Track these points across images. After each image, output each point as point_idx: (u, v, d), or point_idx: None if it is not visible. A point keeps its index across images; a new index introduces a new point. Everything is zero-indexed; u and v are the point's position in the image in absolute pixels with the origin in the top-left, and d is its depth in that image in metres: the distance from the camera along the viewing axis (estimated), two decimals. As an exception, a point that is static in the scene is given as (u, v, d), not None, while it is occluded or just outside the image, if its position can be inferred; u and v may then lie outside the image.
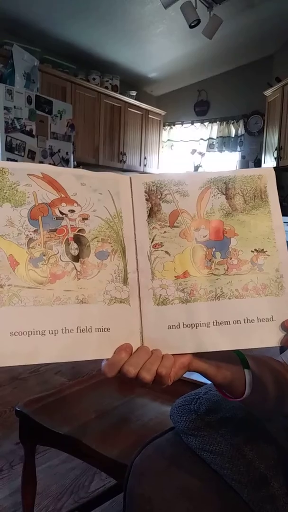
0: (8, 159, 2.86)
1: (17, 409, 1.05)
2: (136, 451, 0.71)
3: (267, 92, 4.22)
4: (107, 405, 1.03)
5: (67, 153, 3.35)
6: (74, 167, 3.69)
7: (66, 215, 0.49)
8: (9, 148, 2.87)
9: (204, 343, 0.50)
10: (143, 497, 0.63)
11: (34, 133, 3.04)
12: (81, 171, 0.52)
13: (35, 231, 0.48)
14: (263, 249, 0.52)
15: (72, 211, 0.50)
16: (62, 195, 0.50)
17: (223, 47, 4.03)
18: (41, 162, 3.11)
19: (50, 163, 3.17)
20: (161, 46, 4.05)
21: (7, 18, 3.38)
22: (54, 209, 0.49)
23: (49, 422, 0.97)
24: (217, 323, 0.50)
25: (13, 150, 2.90)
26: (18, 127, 2.92)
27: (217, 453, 0.65)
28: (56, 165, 3.19)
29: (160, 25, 3.62)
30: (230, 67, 4.70)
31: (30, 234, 0.48)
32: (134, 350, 0.49)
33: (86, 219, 0.50)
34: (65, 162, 3.34)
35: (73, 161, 3.55)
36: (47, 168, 0.50)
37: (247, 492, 0.62)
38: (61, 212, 0.49)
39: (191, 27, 3.13)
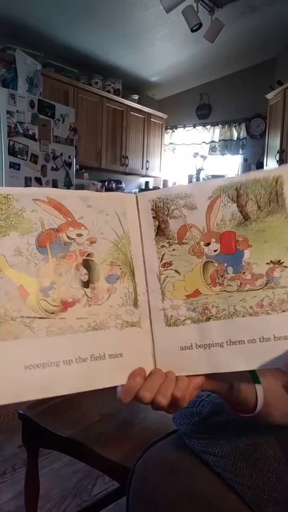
0: (11, 163, 2.87)
1: (20, 412, 1.05)
2: (139, 454, 0.71)
3: (269, 95, 4.22)
4: (110, 408, 1.03)
5: (69, 157, 3.36)
6: (77, 170, 3.70)
7: (74, 239, 0.48)
8: (12, 152, 2.88)
9: (218, 364, 0.49)
10: (146, 499, 0.63)
11: (36, 137, 3.05)
12: (86, 193, 0.51)
13: (43, 259, 0.47)
14: (279, 261, 0.48)
15: (80, 235, 0.48)
16: (69, 219, 0.48)
17: (225, 50, 4.04)
18: (43, 165, 3.12)
19: (52, 167, 3.18)
20: (163, 50, 4.07)
21: (10, 22, 3.41)
22: (61, 234, 0.48)
23: (52, 425, 0.97)
24: (231, 343, 0.48)
25: (16, 154, 2.91)
26: (21, 131, 2.93)
27: (220, 456, 0.65)
28: (59, 169, 3.22)
29: (162, 29, 3.64)
30: (232, 70, 4.71)
31: (39, 263, 0.46)
32: (147, 373, 0.48)
33: (94, 242, 0.49)
34: (67, 166, 3.35)
35: (76, 164, 3.56)
36: (52, 192, 0.49)
37: (250, 495, 0.61)
38: (68, 237, 0.48)
39: (193, 31, 3.14)
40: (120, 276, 0.49)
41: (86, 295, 0.48)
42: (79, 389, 0.46)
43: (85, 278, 0.48)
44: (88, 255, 0.48)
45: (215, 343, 0.49)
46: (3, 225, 0.46)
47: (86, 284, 0.48)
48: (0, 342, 0.44)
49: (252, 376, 0.55)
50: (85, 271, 0.48)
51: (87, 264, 0.48)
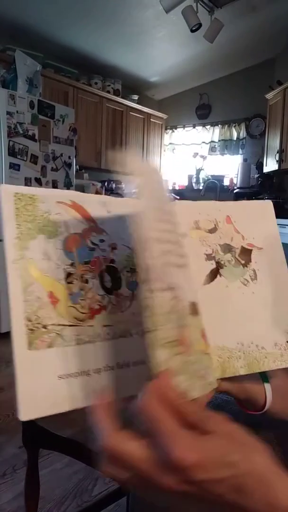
0: (11, 164, 2.87)
1: (20, 412, 1.05)
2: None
3: (269, 95, 4.23)
4: (110, 409, 1.03)
5: (69, 157, 3.36)
6: (77, 171, 3.70)
7: (97, 245, 0.48)
8: (11, 152, 2.88)
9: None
10: (147, 500, 0.63)
11: (36, 137, 3.05)
12: (105, 198, 0.50)
13: (71, 264, 0.46)
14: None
15: (102, 240, 0.48)
16: (92, 224, 0.48)
17: (225, 50, 4.05)
18: (43, 166, 3.12)
19: (52, 167, 3.18)
20: (162, 50, 4.07)
21: (9, 23, 3.41)
22: (86, 239, 0.47)
23: (52, 425, 0.97)
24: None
25: (16, 155, 2.91)
26: (21, 131, 2.93)
27: (220, 456, 0.65)
28: (59, 169, 3.22)
29: (161, 29, 3.64)
30: (231, 70, 4.71)
31: (68, 268, 0.45)
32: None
33: (115, 248, 0.49)
34: (67, 166, 3.35)
35: (76, 165, 3.56)
36: (74, 195, 0.48)
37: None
38: (92, 243, 0.47)
39: (192, 31, 3.14)
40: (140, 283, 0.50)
41: (111, 302, 0.47)
42: (108, 398, 0.46)
43: (109, 284, 0.47)
44: (111, 261, 0.48)
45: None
46: (31, 227, 0.45)
47: (110, 291, 0.47)
48: (34, 351, 0.43)
49: (261, 376, 0.56)
50: (108, 277, 0.47)
51: (110, 271, 0.48)
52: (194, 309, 0.44)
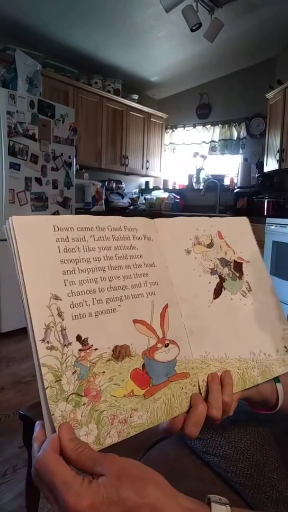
0: (11, 163, 2.87)
1: (21, 412, 1.05)
2: (139, 454, 0.70)
3: (269, 95, 4.22)
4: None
5: (69, 157, 3.36)
6: (77, 170, 3.70)
7: None
8: (12, 152, 2.88)
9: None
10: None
11: (36, 137, 3.05)
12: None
13: None
14: None
15: None
16: None
17: (225, 50, 4.04)
18: (43, 166, 3.12)
19: (52, 167, 3.18)
20: (162, 50, 4.07)
21: (9, 23, 3.41)
22: None
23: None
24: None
25: (16, 154, 2.91)
26: (21, 131, 2.93)
27: (221, 456, 0.65)
28: (59, 169, 3.22)
29: (161, 29, 3.63)
30: (231, 70, 4.71)
31: None
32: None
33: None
34: (67, 166, 3.35)
35: (76, 164, 3.56)
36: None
37: (251, 495, 0.61)
38: None
39: (192, 30, 3.13)
40: None
41: None
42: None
43: None
44: None
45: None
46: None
47: None
48: None
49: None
50: None
51: None
52: (119, 354, 0.44)
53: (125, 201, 4.71)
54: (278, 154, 4.03)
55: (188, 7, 3.01)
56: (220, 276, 0.57)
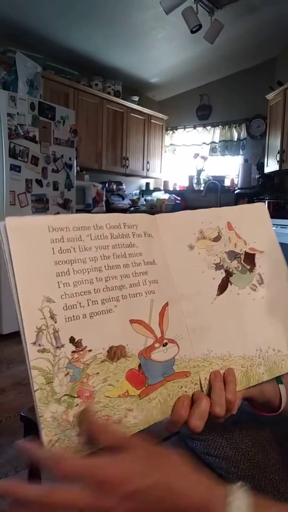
0: (11, 165, 2.88)
1: (22, 414, 1.05)
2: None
3: (269, 96, 4.23)
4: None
5: (70, 159, 3.37)
6: (77, 172, 3.70)
7: None
8: (12, 154, 2.88)
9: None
10: None
11: (37, 139, 3.06)
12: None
13: None
14: None
15: None
16: None
17: (225, 51, 4.05)
18: (44, 167, 3.12)
19: (53, 169, 3.19)
20: (162, 51, 4.07)
21: (10, 25, 3.42)
22: None
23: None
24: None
25: (17, 156, 2.92)
26: (22, 133, 2.93)
27: (222, 458, 0.64)
28: (59, 171, 3.23)
29: (161, 30, 3.64)
30: (232, 71, 4.71)
31: None
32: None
33: None
34: (68, 168, 3.35)
35: (76, 166, 3.57)
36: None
37: (252, 497, 0.61)
38: None
39: (192, 32, 3.14)
40: None
41: None
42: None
43: None
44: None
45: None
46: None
47: None
48: None
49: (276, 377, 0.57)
50: None
51: None
52: (115, 354, 0.44)
53: (126, 202, 4.72)
54: (278, 155, 4.03)
55: (188, 9, 3.02)
56: (226, 271, 0.55)
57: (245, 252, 0.57)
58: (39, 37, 3.61)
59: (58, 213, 3.28)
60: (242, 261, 0.56)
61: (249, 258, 0.57)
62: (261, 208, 0.63)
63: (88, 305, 0.43)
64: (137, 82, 4.79)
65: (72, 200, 3.42)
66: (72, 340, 0.42)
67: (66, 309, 0.42)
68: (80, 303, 0.43)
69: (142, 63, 4.33)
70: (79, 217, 0.47)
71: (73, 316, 0.42)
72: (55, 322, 0.41)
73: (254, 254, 0.58)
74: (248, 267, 0.57)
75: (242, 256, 0.57)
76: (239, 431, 0.66)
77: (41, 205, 3.13)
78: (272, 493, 0.61)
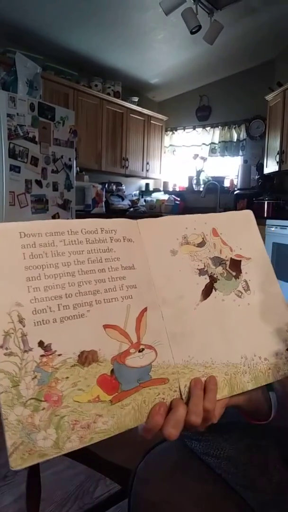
0: (11, 166, 2.88)
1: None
2: (140, 456, 0.70)
3: (269, 97, 4.23)
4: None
5: (69, 159, 3.37)
6: (77, 173, 3.70)
7: None
8: (12, 154, 2.88)
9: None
10: (148, 502, 0.62)
11: (37, 139, 3.06)
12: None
13: None
14: None
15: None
16: None
17: (224, 52, 4.05)
18: (44, 168, 3.12)
19: (53, 169, 3.19)
20: (162, 52, 4.08)
21: (9, 26, 3.42)
22: None
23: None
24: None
25: (16, 157, 2.92)
26: (21, 134, 2.93)
27: (222, 458, 0.64)
28: (59, 171, 3.22)
29: (161, 31, 3.64)
30: (231, 72, 4.72)
31: None
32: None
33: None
34: (67, 168, 3.35)
35: (76, 167, 3.57)
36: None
37: (252, 497, 0.61)
38: None
39: (192, 33, 3.14)
40: None
41: None
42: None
43: None
44: None
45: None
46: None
47: None
48: None
49: (266, 384, 0.55)
50: None
51: None
52: (86, 359, 0.44)
53: (125, 203, 4.72)
54: (278, 156, 4.04)
55: (188, 10, 3.02)
56: (211, 277, 0.54)
57: (231, 258, 0.57)
58: (39, 37, 3.62)
59: (57, 213, 3.28)
60: (227, 267, 0.56)
61: (235, 265, 0.57)
62: (248, 215, 0.63)
63: (59, 309, 0.44)
64: (137, 83, 4.79)
65: (71, 201, 3.42)
66: (41, 344, 0.42)
67: (36, 313, 0.42)
68: (50, 308, 0.43)
69: (141, 64, 4.34)
70: (53, 223, 0.47)
71: (43, 321, 0.43)
72: (24, 326, 0.42)
73: (240, 261, 0.58)
74: (234, 273, 0.56)
75: (228, 263, 0.56)
76: (239, 432, 0.66)
77: (40, 206, 3.13)
78: (272, 493, 0.61)
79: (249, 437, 0.66)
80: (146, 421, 0.45)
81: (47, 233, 0.46)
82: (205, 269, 0.54)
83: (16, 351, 0.41)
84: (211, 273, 0.55)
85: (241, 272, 0.57)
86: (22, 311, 0.42)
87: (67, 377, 0.42)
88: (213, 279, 0.54)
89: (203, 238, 0.56)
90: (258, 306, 0.56)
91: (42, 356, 0.42)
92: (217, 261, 0.56)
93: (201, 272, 0.54)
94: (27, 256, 0.44)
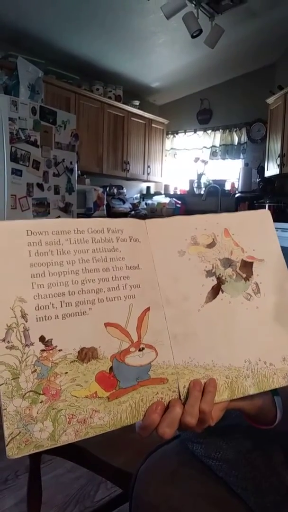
0: (13, 169, 2.89)
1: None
2: (141, 459, 0.70)
3: (270, 100, 4.24)
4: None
5: (71, 163, 3.38)
6: (78, 176, 3.71)
7: None
8: (14, 158, 2.90)
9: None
10: (149, 505, 0.62)
11: (38, 143, 3.07)
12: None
13: None
14: None
15: None
16: None
17: (225, 56, 4.06)
18: (45, 171, 3.13)
19: (54, 173, 3.19)
20: (163, 56, 4.09)
21: (11, 30, 3.44)
22: None
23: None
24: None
25: (18, 161, 2.93)
26: (23, 137, 2.95)
27: (223, 460, 0.64)
28: (60, 175, 3.24)
29: (162, 35, 3.66)
30: (232, 75, 4.73)
31: None
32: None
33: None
34: (69, 172, 3.36)
35: (77, 170, 3.58)
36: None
37: (253, 499, 0.61)
38: None
39: (193, 37, 3.15)
40: None
41: None
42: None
43: None
44: None
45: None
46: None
47: None
48: None
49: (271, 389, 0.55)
50: None
51: None
52: (85, 356, 0.45)
53: (127, 206, 4.72)
54: (278, 159, 4.04)
55: (189, 14, 3.04)
56: (218, 278, 0.53)
57: (242, 260, 0.56)
58: (40, 42, 3.64)
59: (59, 217, 3.28)
60: (237, 269, 0.55)
61: (246, 266, 0.56)
62: (265, 215, 0.61)
63: (61, 306, 0.45)
64: (138, 86, 4.81)
65: (73, 204, 3.42)
66: (42, 339, 0.43)
67: (38, 309, 0.44)
68: (53, 304, 0.44)
69: (143, 67, 4.35)
70: (60, 222, 0.48)
71: (45, 317, 0.44)
72: (26, 321, 0.43)
73: (251, 263, 0.56)
74: (244, 275, 0.55)
75: (238, 264, 0.55)
76: (240, 434, 0.66)
77: (42, 209, 3.14)
78: (273, 496, 0.61)
79: (251, 439, 0.66)
80: (143, 419, 0.46)
81: (53, 232, 0.47)
82: (213, 270, 0.54)
83: (17, 345, 0.42)
84: (219, 274, 0.54)
85: (252, 274, 0.56)
86: (25, 306, 0.43)
87: (66, 372, 0.44)
88: (220, 281, 0.53)
89: (213, 239, 0.55)
90: (268, 310, 0.55)
91: (42, 350, 0.43)
92: (227, 262, 0.55)
93: (209, 273, 0.53)
94: (33, 254, 0.45)
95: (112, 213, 4.40)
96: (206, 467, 0.66)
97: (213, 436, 0.67)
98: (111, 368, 0.46)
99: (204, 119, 5.14)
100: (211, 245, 0.55)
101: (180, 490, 0.63)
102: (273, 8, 3.31)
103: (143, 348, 0.47)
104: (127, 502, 0.68)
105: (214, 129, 5.05)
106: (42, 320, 0.44)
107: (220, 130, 5.00)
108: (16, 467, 1.51)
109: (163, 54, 4.03)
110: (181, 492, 0.63)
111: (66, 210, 3.35)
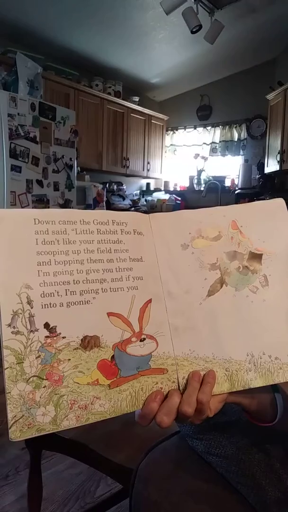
0: (12, 166, 2.88)
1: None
2: (142, 455, 0.70)
3: (270, 96, 4.23)
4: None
5: (70, 159, 3.37)
6: (78, 172, 3.70)
7: None
8: (13, 154, 2.89)
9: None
10: (150, 501, 0.63)
11: (37, 139, 3.06)
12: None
13: None
14: None
15: None
16: None
17: (225, 52, 4.05)
18: (44, 168, 3.13)
19: (54, 169, 3.19)
20: (163, 52, 4.08)
21: (10, 26, 3.42)
22: None
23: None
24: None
25: (17, 157, 2.92)
26: (22, 133, 2.94)
27: (223, 457, 0.65)
28: (60, 171, 3.23)
29: (162, 31, 3.64)
30: (232, 71, 4.71)
31: None
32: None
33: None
34: (68, 168, 3.35)
35: (77, 166, 3.57)
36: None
37: (253, 496, 0.61)
38: None
39: (192, 32, 3.14)
40: None
41: None
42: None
43: None
44: None
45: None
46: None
47: None
48: None
49: (272, 386, 0.55)
50: None
51: None
52: (88, 343, 0.46)
53: (126, 202, 4.72)
54: (278, 155, 4.04)
55: (188, 9, 3.02)
56: (222, 271, 0.53)
57: (250, 252, 0.54)
58: (39, 37, 3.62)
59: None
60: (245, 262, 0.54)
61: (254, 259, 0.54)
62: (278, 205, 0.59)
63: (66, 294, 0.46)
64: (138, 82, 4.79)
65: (72, 201, 3.42)
66: (46, 325, 0.44)
67: (44, 297, 0.45)
68: (58, 292, 0.45)
69: (142, 63, 4.34)
70: (67, 212, 0.49)
71: (50, 304, 0.45)
72: (31, 308, 0.44)
73: (261, 254, 0.55)
74: (252, 268, 0.54)
75: (246, 257, 0.54)
76: (240, 430, 0.66)
77: (41, 206, 3.14)
78: (273, 492, 0.61)
79: (251, 435, 0.66)
80: (142, 408, 0.47)
81: (60, 221, 0.48)
82: (217, 263, 0.53)
83: (22, 330, 0.43)
84: (224, 267, 0.53)
85: (260, 266, 0.54)
86: (31, 293, 0.44)
87: (69, 359, 0.45)
88: (224, 274, 0.53)
89: (219, 232, 0.54)
90: (275, 303, 0.53)
91: (47, 337, 0.44)
92: (233, 255, 0.54)
93: (212, 267, 0.53)
94: (40, 242, 0.46)
95: (111, 210, 4.38)
96: (206, 463, 0.66)
97: (213, 432, 0.67)
98: (112, 357, 0.47)
99: (204, 115, 5.12)
100: (216, 238, 0.54)
101: (180, 486, 0.63)
102: (273, 4, 3.29)
103: (144, 339, 0.48)
104: (128, 498, 0.68)
105: (214, 125, 5.04)
106: (47, 307, 0.45)
107: (220, 126, 4.99)
108: (16, 463, 1.52)
109: (162, 49, 4.02)
110: (181, 488, 0.63)
111: (65, 207, 3.35)
